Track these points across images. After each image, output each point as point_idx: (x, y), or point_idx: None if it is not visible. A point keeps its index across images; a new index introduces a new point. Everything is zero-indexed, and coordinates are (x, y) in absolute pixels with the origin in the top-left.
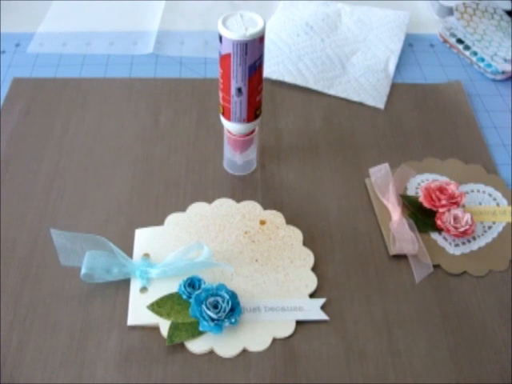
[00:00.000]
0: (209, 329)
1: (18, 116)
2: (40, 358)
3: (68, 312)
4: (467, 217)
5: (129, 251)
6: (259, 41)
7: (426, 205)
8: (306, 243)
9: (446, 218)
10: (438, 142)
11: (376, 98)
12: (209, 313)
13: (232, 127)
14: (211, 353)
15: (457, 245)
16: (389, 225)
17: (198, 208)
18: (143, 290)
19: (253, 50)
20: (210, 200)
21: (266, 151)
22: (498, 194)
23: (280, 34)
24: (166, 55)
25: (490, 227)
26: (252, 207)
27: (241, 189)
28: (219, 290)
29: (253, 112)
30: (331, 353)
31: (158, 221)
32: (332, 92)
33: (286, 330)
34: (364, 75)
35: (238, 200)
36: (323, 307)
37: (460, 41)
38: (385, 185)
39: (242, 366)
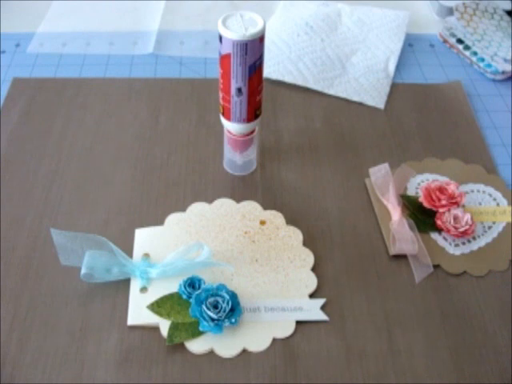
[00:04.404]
0: (209, 329)
1: (18, 116)
2: (40, 358)
3: (68, 312)
4: (467, 217)
5: (129, 251)
6: (259, 41)
7: (426, 205)
8: (306, 243)
9: (446, 218)
10: (438, 142)
11: (376, 98)
12: (209, 313)
13: (232, 127)
14: (211, 353)
15: (457, 245)
16: (389, 225)
17: (198, 208)
18: (143, 289)
19: (253, 50)
20: (209, 200)
21: (265, 151)
22: (498, 194)
23: (280, 34)
24: (166, 55)
25: (490, 227)
26: (252, 207)
27: (241, 189)
28: (219, 290)
29: (253, 112)
30: (331, 353)
31: (158, 221)
32: (332, 92)
33: (286, 330)
34: (364, 75)
35: (238, 200)
36: (323, 307)
37: (460, 41)
38: (385, 185)
39: (242, 366)
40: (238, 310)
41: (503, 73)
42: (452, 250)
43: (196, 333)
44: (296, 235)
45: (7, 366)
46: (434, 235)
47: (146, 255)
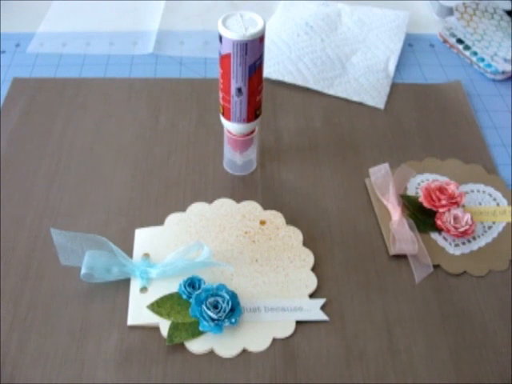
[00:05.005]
0: (209, 329)
1: (18, 116)
2: (40, 358)
3: (68, 312)
4: (467, 217)
5: (129, 251)
6: (259, 41)
7: (426, 205)
8: (306, 243)
9: (445, 218)
10: (438, 142)
11: (376, 98)
12: (209, 313)
13: (232, 127)
14: (211, 353)
15: (457, 245)
16: (389, 225)
17: (198, 208)
18: (143, 289)
19: (253, 49)
20: (209, 200)
21: (265, 151)
22: (498, 194)
23: (280, 34)
24: (166, 55)
25: (490, 227)
26: (252, 207)
27: (241, 189)
28: (219, 290)
29: (253, 112)
30: (331, 353)
31: (158, 221)
32: (332, 92)
33: (286, 330)
34: (364, 75)
35: (238, 200)
36: (323, 307)
37: (460, 41)
38: (385, 185)
39: (242, 366)
40: (238, 310)
41: (503, 73)
42: (452, 249)
43: (196, 333)
44: (296, 235)
45: (7, 366)
46: (434, 235)
47: (146, 255)
